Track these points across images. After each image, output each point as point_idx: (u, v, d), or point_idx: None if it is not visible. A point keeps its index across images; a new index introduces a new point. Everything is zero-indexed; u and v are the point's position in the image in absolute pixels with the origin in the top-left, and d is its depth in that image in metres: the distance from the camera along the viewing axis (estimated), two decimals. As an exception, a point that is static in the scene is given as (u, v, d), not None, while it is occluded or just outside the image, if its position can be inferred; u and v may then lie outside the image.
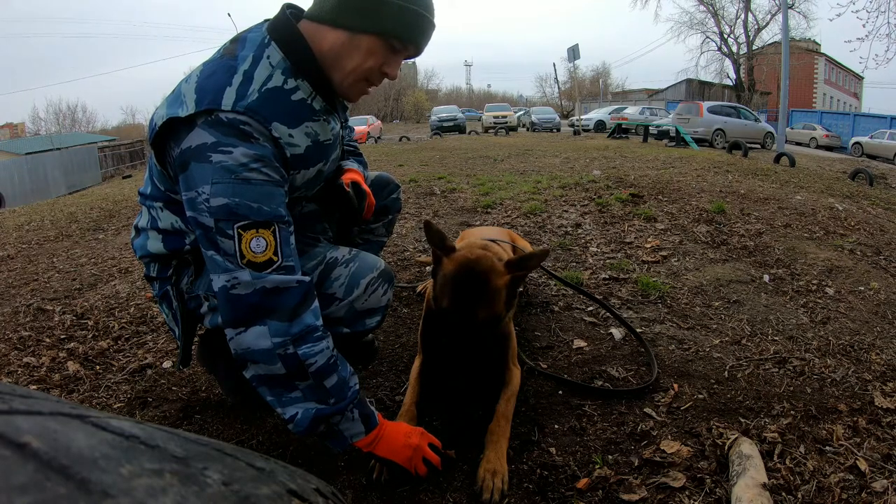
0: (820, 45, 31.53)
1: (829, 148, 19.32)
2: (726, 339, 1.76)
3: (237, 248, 0.92)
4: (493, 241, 1.75)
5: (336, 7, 0.99)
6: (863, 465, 1.14)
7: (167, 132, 0.97)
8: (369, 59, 1.02)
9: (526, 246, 2.00)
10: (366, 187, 1.33)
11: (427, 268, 2.47)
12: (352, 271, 1.18)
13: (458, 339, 1.16)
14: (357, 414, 1.02)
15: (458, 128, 19.51)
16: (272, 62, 0.99)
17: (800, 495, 1.06)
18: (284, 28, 1.02)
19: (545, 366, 1.58)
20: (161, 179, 1.08)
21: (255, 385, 0.99)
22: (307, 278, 0.99)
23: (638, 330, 1.77)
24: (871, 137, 17.60)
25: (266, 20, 1.06)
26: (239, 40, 1.02)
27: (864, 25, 11.35)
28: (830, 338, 1.79)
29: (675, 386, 1.46)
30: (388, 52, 1.03)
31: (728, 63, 29.01)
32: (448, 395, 1.38)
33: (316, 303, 1.00)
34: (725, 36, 28.42)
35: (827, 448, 1.21)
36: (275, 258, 0.94)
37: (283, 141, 0.99)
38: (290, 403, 0.98)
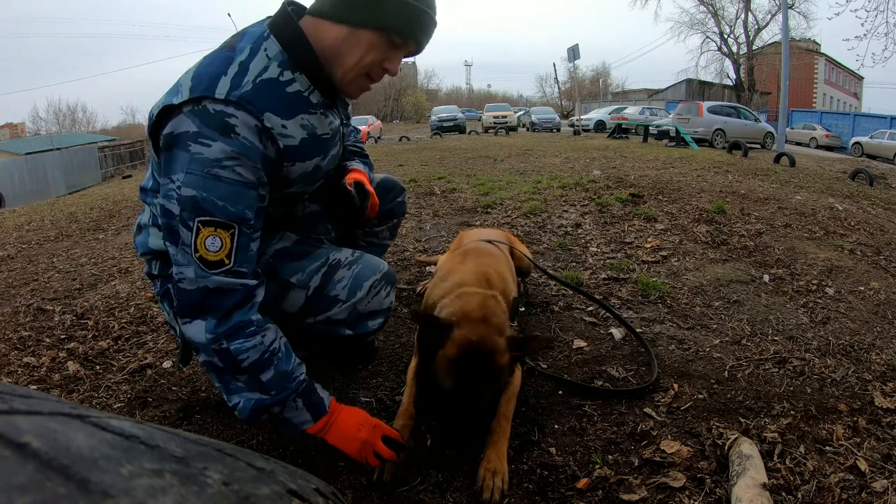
0: (820, 45, 31.52)
1: (829, 148, 19.32)
2: (726, 339, 1.76)
3: (193, 241, 0.94)
4: (490, 241, 1.75)
5: (337, 2, 1.00)
6: (863, 465, 1.13)
7: (162, 120, 0.97)
8: (370, 54, 1.02)
9: (524, 250, 2.00)
10: (369, 187, 1.33)
11: (427, 268, 2.47)
12: (355, 273, 1.18)
13: (461, 416, 1.15)
14: (301, 403, 1.03)
15: (458, 128, 19.50)
16: (269, 54, 1.00)
17: (800, 495, 1.06)
18: (284, 23, 1.02)
19: (545, 366, 1.58)
20: (160, 171, 1.08)
21: (206, 370, 1.02)
22: (253, 282, 1.00)
23: (638, 330, 1.77)
24: (871, 137, 17.59)
25: (269, 17, 1.07)
26: (239, 34, 1.03)
27: (862, 24, 11.34)
28: (830, 338, 1.79)
29: (675, 386, 1.46)
30: (388, 47, 1.03)
31: (728, 63, 29.03)
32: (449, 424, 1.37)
33: (256, 300, 1.01)
34: (725, 36, 28.43)
35: (827, 448, 1.21)
36: (227, 261, 0.96)
37: (276, 132, 0.99)
38: (236, 392, 1.00)
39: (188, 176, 0.92)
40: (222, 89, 0.93)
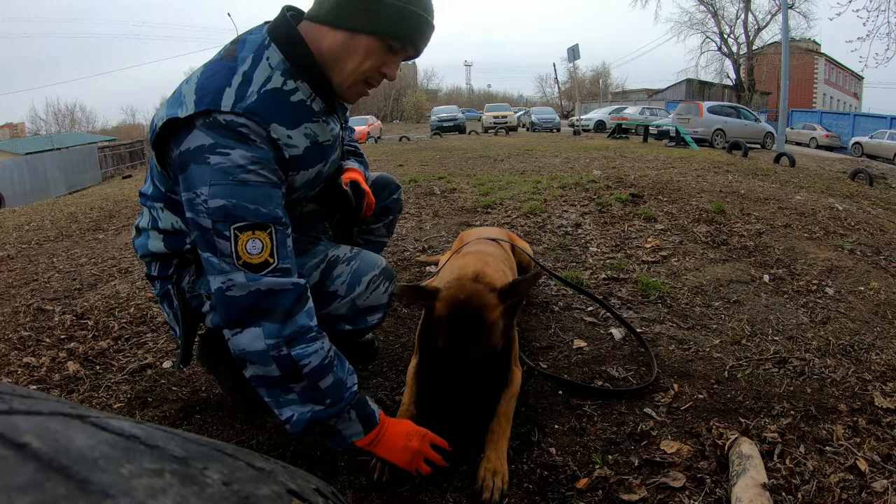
0: (820, 45, 31.54)
1: (829, 148, 19.32)
2: (726, 339, 1.76)
3: (233, 250, 0.93)
4: (493, 239, 1.76)
5: (335, 7, 0.99)
6: (863, 465, 1.13)
7: (167, 133, 0.97)
8: (368, 59, 1.02)
9: (525, 246, 2.00)
10: (365, 186, 1.33)
11: (427, 267, 2.47)
12: (353, 269, 1.18)
13: (455, 378, 1.14)
14: (355, 415, 1.02)
15: (458, 128, 19.50)
16: (271, 63, 0.99)
17: (800, 495, 1.06)
18: (284, 29, 1.02)
19: (545, 366, 1.58)
20: (161, 180, 1.08)
21: (254, 385, 0.99)
22: (302, 280, 0.99)
23: (638, 330, 1.77)
24: (871, 137, 17.59)
25: (266, 22, 1.06)
26: (239, 42, 1.02)
27: (864, 24, 11.36)
28: (830, 338, 1.79)
29: (675, 386, 1.46)
30: (386, 52, 1.03)
31: (728, 63, 29.04)
32: (447, 397, 1.37)
33: (310, 304, 1.00)
34: (725, 36, 28.45)
35: (827, 448, 1.21)
36: (271, 260, 0.95)
37: (282, 142, 0.99)
38: (287, 405, 0.98)
39: (213, 187, 0.91)
40: (228, 101, 0.93)
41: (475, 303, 1.15)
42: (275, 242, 0.95)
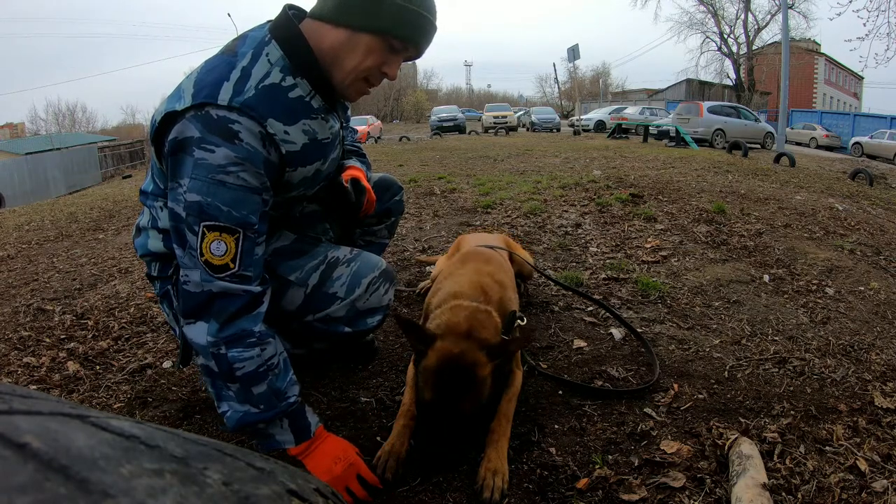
0: (820, 45, 31.53)
1: (829, 148, 19.32)
2: (726, 339, 1.76)
3: (198, 245, 0.95)
4: (490, 247, 1.74)
5: (337, 5, 1.00)
6: (863, 465, 1.13)
7: (165, 126, 0.97)
8: (368, 58, 1.02)
9: (524, 254, 1.99)
10: (366, 183, 1.33)
11: (427, 268, 2.47)
12: (353, 270, 1.18)
13: (444, 428, 1.14)
14: (287, 424, 1.02)
15: (458, 128, 19.50)
16: (271, 59, 1.00)
17: (800, 495, 1.06)
18: (285, 27, 1.02)
19: (545, 366, 1.58)
20: (161, 176, 1.08)
21: (202, 373, 1.02)
22: (258, 289, 1.00)
23: (638, 330, 1.77)
24: (871, 137, 17.59)
25: (269, 20, 1.07)
26: (240, 38, 1.03)
27: (864, 24, 11.35)
28: (830, 338, 1.79)
29: (675, 386, 1.46)
30: (387, 51, 1.03)
31: (728, 63, 29.04)
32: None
33: (261, 309, 1.01)
34: (725, 36, 28.44)
35: (827, 448, 1.21)
36: (231, 265, 0.96)
37: (279, 138, 0.99)
38: (226, 399, 1.00)
39: (193, 181, 0.92)
40: (225, 95, 0.93)
41: (465, 360, 1.13)
42: (240, 248, 0.96)
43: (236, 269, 0.97)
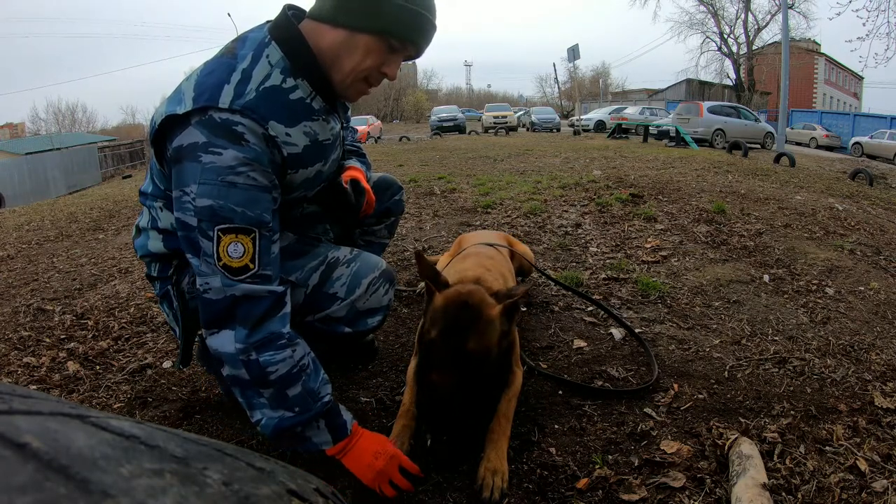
0: (820, 45, 31.52)
1: (829, 148, 19.32)
2: (726, 339, 1.76)
3: (215, 251, 0.93)
4: (491, 245, 1.75)
5: (336, 6, 0.99)
6: (863, 465, 1.13)
7: (165, 130, 0.97)
8: (368, 58, 1.02)
9: (525, 251, 2.00)
10: (366, 184, 1.33)
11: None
12: (353, 271, 1.18)
13: (449, 374, 1.11)
14: (324, 424, 1.01)
15: (458, 128, 19.49)
16: (271, 61, 0.99)
17: (800, 495, 1.06)
18: (285, 28, 1.02)
19: (545, 366, 1.58)
20: (160, 178, 1.08)
21: (230, 385, 1.00)
22: (280, 288, 0.99)
23: (638, 330, 1.77)
24: (871, 137, 17.59)
25: (268, 21, 1.06)
26: (240, 40, 1.02)
27: (864, 24, 11.35)
28: (830, 338, 1.79)
29: (675, 386, 1.46)
30: (386, 51, 1.03)
31: (728, 63, 29.05)
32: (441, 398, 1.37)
33: (286, 310, 1.00)
34: (725, 36, 28.45)
35: (827, 448, 1.21)
36: (251, 265, 0.95)
37: (280, 140, 0.99)
38: (259, 407, 0.98)
39: (202, 186, 0.91)
40: (226, 98, 0.92)
41: (474, 298, 1.16)
42: (257, 248, 0.95)
43: (256, 269, 0.95)
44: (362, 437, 1.07)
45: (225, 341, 0.95)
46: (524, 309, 1.46)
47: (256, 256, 0.95)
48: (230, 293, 0.94)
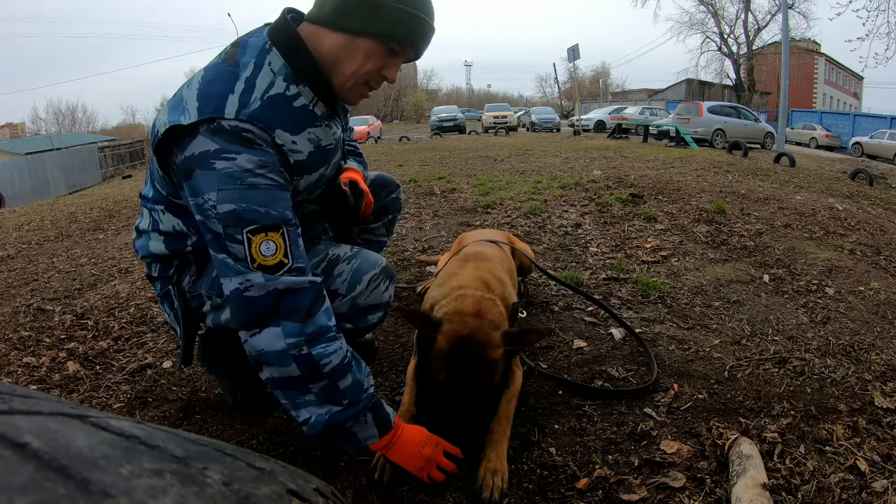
0: (820, 45, 31.52)
1: (829, 148, 19.32)
2: (726, 339, 1.76)
3: (248, 253, 0.93)
4: (493, 241, 1.75)
5: (335, 10, 0.99)
6: (863, 465, 1.13)
7: (170, 139, 0.97)
8: (368, 62, 1.02)
9: (525, 249, 2.00)
10: (364, 186, 1.33)
11: (427, 267, 2.47)
12: (354, 268, 1.18)
13: (457, 408, 1.15)
14: (371, 417, 1.02)
15: (458, 128, 19.50)
16: (273, 68, 0.99)
17: (800, 495, 1.06)
18: (285, 33, 1.02)
19: (545, 366, 1.58)
20: (163, 184, 1.08)
21: (270, 387, 0.99)
22: (318, 279, 0.99)
23: (638, 330, 1.77)
24: (871, 137, 17.59)
25: (267, 24, 1.06)
26: (240, 45, 1.02)
27: (863, 24, 11.35)
28: (830, 338, 1.79)
29: (675, 386, 1.46)
30: (386, 54, 1.03)
31: (728, 63, 29.05)
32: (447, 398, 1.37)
33: (328, 303, 1.00)
34: (725, 36, 28.45)
35: (827, 448, 1.21)
36: (285, 260, 0.95)
37: (287, 148, 0.99)
38: (305, 406, 0.97)
39: (221, 192, 0.91)
40: (231, 109, 0.92)
41: (477, 341, 1.15)
42: (287, 243, 0.95)
43: (291, 262, 0.95)
44: (405, 429, 1.08)
45: (271, 339, 0.94)
46: (523, 314, 1.46)
47: (289, 251, 0.95)
48: (273, 287, 0.93)
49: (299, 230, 1.00)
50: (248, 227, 0.92)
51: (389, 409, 1.07)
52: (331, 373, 0.96)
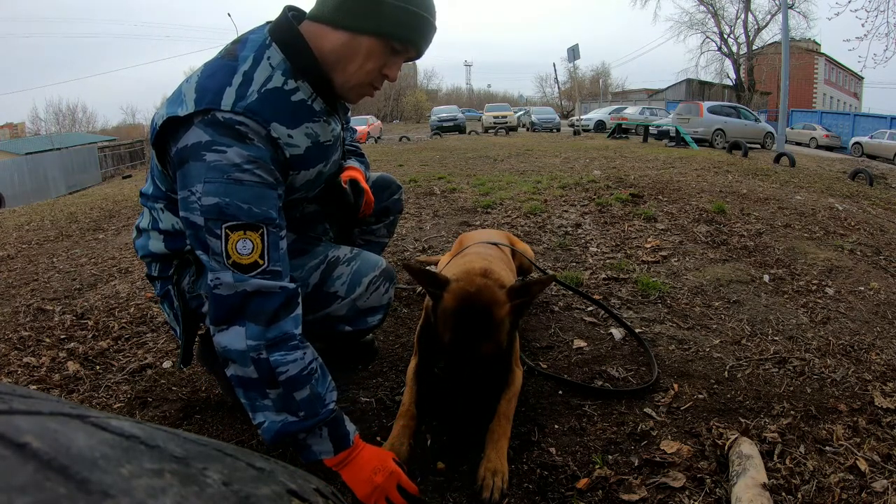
0: (820, 45, 31.52)
1: (829, 148, 19.31)
2: (726, 339, 1.76)
3: (224, 248, 0.92)
4: (493, 243, 1.75)
5: (337, 8, 0.99)
6: (863, 465, 1.13)
7: (167, 131, 0.97)
8: (370, 60, 1.02)
9: (525, 249, 2.00)
10: (364, 184, 1.33)
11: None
12: (354, 269, 1.18)
13: (461, 373, 1.14)
14: (327, 433, 0.99)
15: (458, 128, 19.50)
16: (272, 63, 0.99)
17: (800, 495, 1.06)
18: (286, 29, 1.02)
19: (545, 366, 1.58)
20: (162, 179, 1.08)
21: (234, 384, 0.98)
22: (292, 285, 0.98)
23: (638, 330, 1.77)
24: (871, 137, 17.59)
25: (268, 22, 1.06)
26: (240, 41, 1.02)
27: (862, 25, 11.33)
28: (830, 338, 1.79)
29: (675, 386, 1.46)
30: (388, 53, 1.03)
31: (728, 63, 29.03)
32: (447, 397, 1.37)
33: (298, 311, 0.99)
34: (725, 36, 28.43)
35: (827, 448, 1.21)
36: (260, 261, 0.94)
37: (283, 142, 0.99)
38: (262, 409, 0.96)
39: (208, 185, 0.91)
40: (228, 101, 0.92)
41: (485, 298, 1.14)
42: (266, 244, 0.95)
43: (266, 265, 0.94)
44: (364, 450, 1.04)
45: (235, 338, 0.94)
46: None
47: (266, 252, 0.95)
48: (241, 288, 0.93)
49: (283, 232, 0.99)
50: (228, 222, 0.92)
51: (351, 428, 1.03)
52: (286, 382, 0.94)
